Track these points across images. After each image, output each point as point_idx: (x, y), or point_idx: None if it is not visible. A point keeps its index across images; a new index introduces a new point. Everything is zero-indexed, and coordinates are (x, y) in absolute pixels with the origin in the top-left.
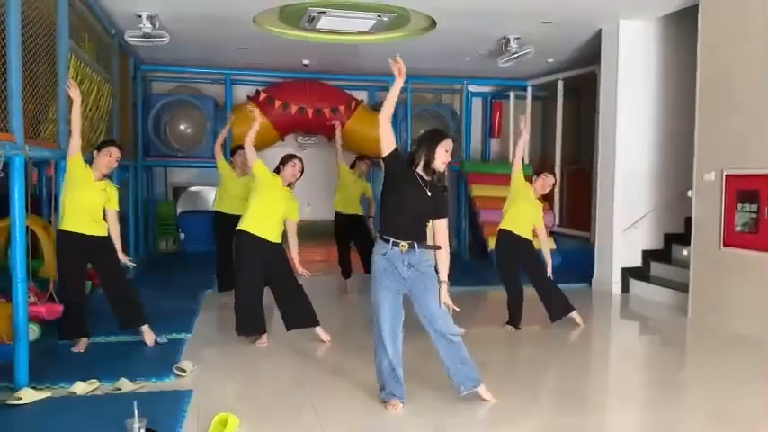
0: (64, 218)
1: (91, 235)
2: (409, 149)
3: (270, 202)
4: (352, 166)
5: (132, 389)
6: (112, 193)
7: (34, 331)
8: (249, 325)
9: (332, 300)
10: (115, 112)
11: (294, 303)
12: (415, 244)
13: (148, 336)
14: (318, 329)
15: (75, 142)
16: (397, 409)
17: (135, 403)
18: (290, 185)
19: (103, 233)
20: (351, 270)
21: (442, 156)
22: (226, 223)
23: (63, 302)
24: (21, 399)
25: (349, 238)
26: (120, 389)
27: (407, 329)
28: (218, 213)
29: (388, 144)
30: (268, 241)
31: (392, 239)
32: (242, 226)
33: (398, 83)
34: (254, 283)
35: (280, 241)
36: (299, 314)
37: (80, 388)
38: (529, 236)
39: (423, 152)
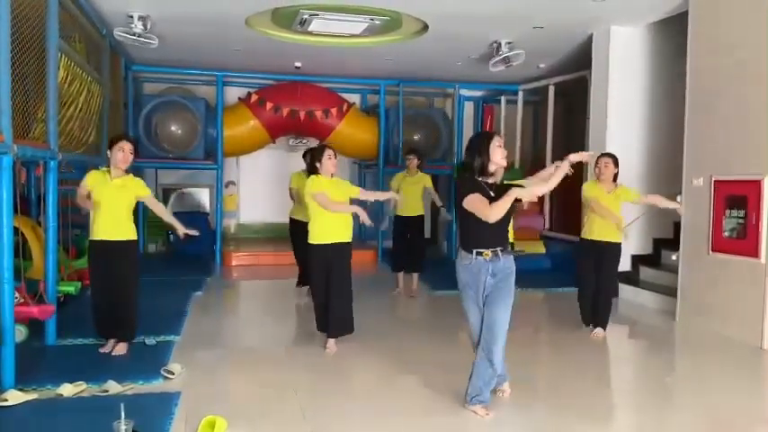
0: (90, 227)
1: (111, 240)
2: (401, 149)
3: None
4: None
5: (120, 391)
6: (135, 183)
7: (21, 333)
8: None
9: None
10: (105, 113)
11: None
12: (499, 251)
13: (118, 347)
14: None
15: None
16: (490, 415)
17: (122, 405)
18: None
19: (125, 237)
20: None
21: (498, 151)
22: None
23: (92, 304)
24: (6, 401)
25: (406, 239)
26: (107, 391)
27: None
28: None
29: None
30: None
31: (475, 250)
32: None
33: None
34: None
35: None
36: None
37: (67, 390)
38: (607, 237)
39: (476, 159)
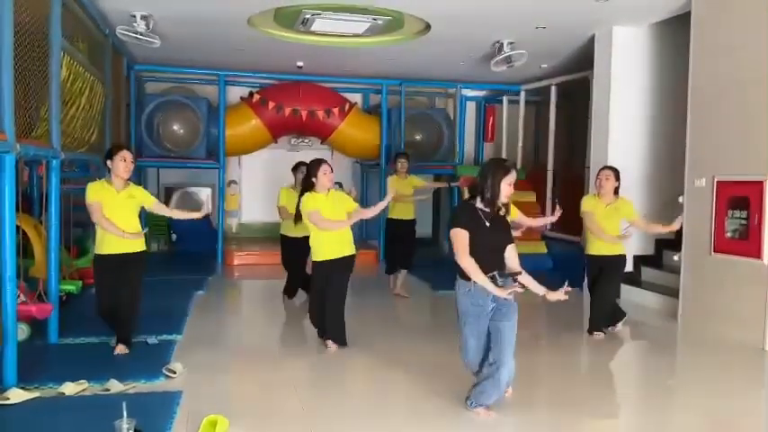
0: (98, 241)
1: (125, 253)
2: (402, 149)
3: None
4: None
5: (121, 390)
6: (139, 192)
7: (23, 331)
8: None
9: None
10: (107, 112)
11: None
12: (496, 275)
13: (119, 346)
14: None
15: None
16: (491, 415)
17: (124, 404)
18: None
19: (139, 248)
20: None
21: (506, 190)
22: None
23: (96, 312)
24: (8, 399)
25: (399, 241)
26: (109, 390)
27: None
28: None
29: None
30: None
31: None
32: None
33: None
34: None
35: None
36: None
37: (69, 388)
38: (607, 251)
39: (487, 187)
